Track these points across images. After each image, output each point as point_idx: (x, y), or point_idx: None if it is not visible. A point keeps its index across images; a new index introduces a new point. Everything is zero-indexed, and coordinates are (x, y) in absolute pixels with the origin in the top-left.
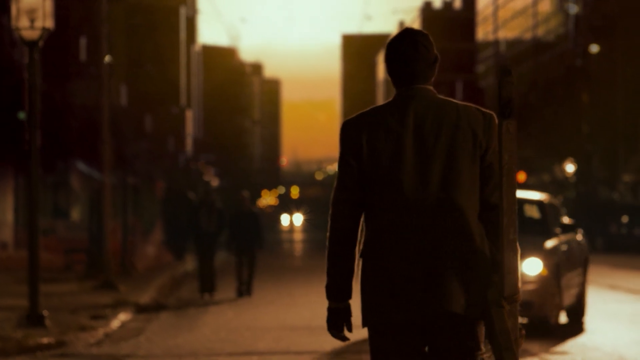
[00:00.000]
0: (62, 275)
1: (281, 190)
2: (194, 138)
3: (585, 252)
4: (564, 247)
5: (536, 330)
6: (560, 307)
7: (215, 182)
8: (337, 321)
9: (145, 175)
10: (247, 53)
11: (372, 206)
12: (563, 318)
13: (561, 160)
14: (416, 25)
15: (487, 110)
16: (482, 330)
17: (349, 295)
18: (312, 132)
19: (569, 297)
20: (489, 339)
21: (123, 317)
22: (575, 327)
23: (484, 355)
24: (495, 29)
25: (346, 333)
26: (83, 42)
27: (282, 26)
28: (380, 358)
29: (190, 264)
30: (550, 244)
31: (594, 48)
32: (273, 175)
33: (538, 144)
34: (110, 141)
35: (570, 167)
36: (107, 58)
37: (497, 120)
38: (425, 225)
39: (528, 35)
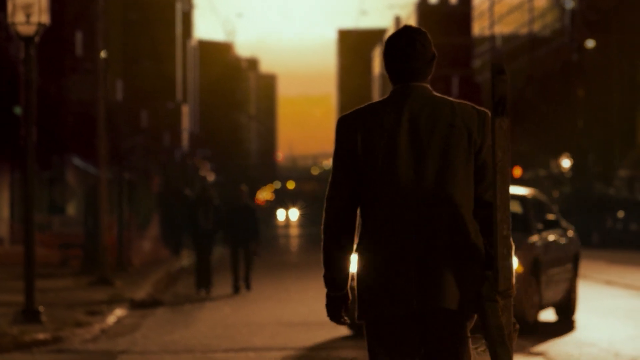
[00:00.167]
0: (58, 270)
1: (277, 185)
2: (189, 133)
3: (576, 247)
4: (546, 243)
5: (529, 327)
6: (539, 305)
7: (211, 177)
8: (335, 307)
9: (141, 170)
10: (243, 48)
11: (367, 202)
12: (551, 315)
13: (557, 155)
14: (412, 20)
15: (482, 108)
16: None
17: (345, 284)
18: (308, 127)
19: (554, 294)
20: (483, 333)
21: (119, 312)
22: (565, 324)
23: (479, 350)
24: (492, 24)
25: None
26: (79, 37)
27: (278, 21)
28: (377, 351)
29: (186, 259)
30: (528, 240)
31: (590, 43)
32: (269, 170)
33: (534, 139)
34: (106, 136)
35: (566, 162)
36: (103, 53)
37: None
38: (420, 220)
39: (524, 30)
